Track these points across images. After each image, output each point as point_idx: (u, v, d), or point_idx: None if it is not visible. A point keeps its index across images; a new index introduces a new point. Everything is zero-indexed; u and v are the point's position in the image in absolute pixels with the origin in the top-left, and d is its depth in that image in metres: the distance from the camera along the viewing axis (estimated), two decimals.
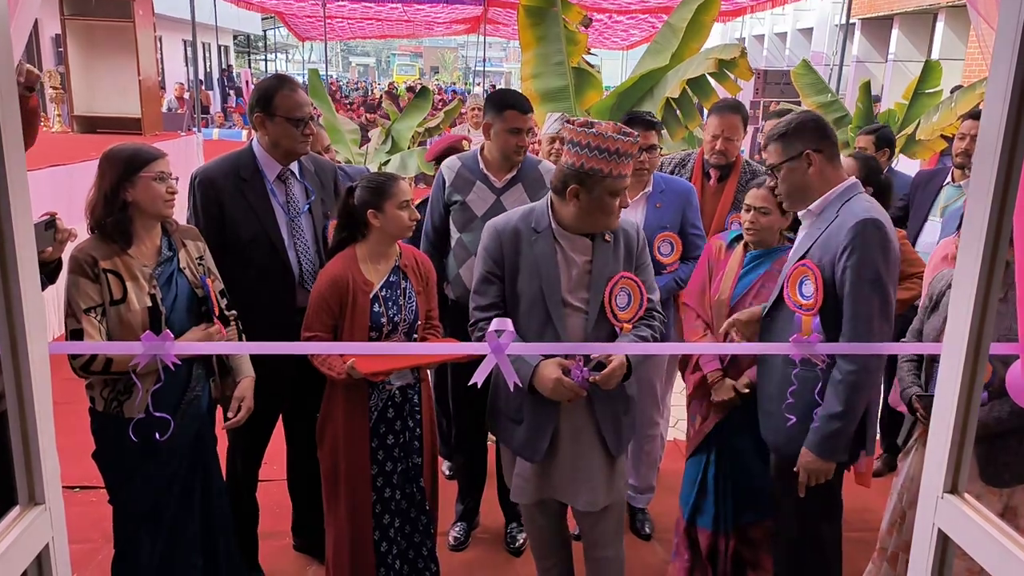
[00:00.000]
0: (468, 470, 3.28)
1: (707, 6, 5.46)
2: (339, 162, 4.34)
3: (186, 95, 13.93)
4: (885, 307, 2.11)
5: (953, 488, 1.12)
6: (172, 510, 2.27)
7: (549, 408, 2.26)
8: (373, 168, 6.63)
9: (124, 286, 2.10)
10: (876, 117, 7.69)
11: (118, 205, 2.12)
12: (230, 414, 2.33)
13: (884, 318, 2.11)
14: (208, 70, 23.06)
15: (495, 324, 1.41)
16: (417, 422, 2.55)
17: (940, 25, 13.53)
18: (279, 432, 2.85)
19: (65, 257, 2.12)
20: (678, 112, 5.44)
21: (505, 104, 2.83)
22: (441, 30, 20.75)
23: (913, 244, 3.50)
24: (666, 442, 3.47)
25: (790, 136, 2.20)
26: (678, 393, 3.60)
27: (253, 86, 3.04)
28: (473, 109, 7.16)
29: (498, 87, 16.95)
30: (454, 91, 24.53)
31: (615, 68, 21.99)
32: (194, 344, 2.11)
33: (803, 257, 2.18)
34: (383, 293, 2.43)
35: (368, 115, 14.74)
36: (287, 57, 35.24)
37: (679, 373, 3.21)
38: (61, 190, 4.82)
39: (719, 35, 19.09)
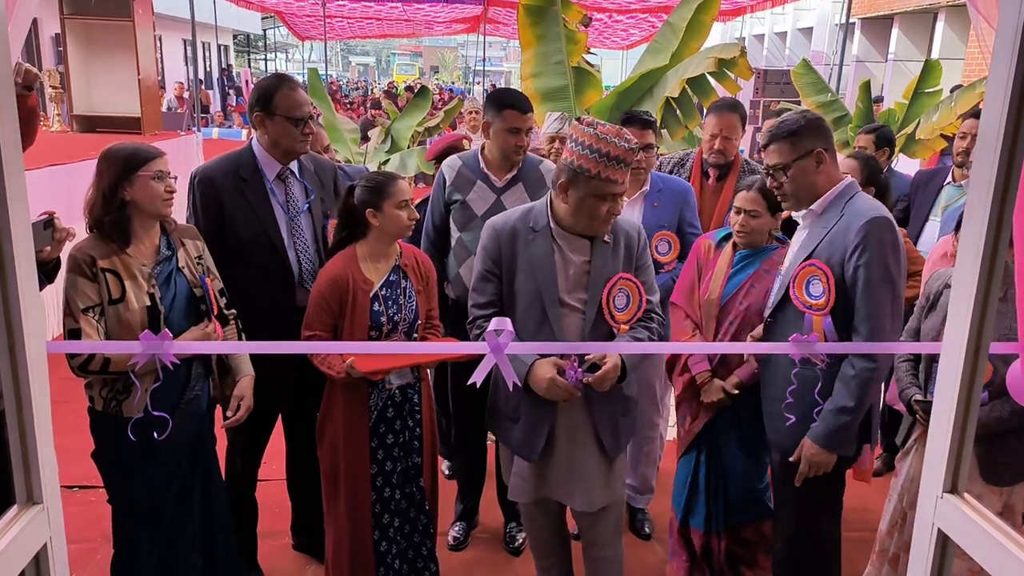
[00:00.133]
0: (467, 470, 3.27)
1: (707, 5, 5.45)
2: (338, 161, 4.33)
3: (186, 94, 13.91)
4: (896, 305, 2.13)
5: (953, 488, 1.12)
6: (171, 509, 2.27)
7: (545, 407, 2.26)
8: (372, 167, 6.62)
9: (122, 285, 2.10)
10: (876, 117, 7.69)
11: (116, 204, 2.11)
12: (229, 412, 2.33)
13: (895, 316, 2.13)
14: (208, 69, 23.04)
15: (494, 324, 1.41)
16: (417, 422, 2.55)
17: (940, 24, 13.53)
18: (279, 431, 2.84)
19: (64, 256, 2.12)
20: (678, 112, 5.44)
21: (504, 103, 2.83)
22: (441, 29, 20.75)
23: (914, 244, 3.50)
24: (666, 442, 3.46)
25: (800, 134, 2.18)
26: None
27: (253, 85, 3.04)
28: (471, 112, 7.13)
29: (498, 87, 16.94)
30: (451, 90, 24.50)
31: (615, 67, 22.00)
32: (193, 343, 2.11)
33: (809, 257, 2.18)
34: (383, 292, 2.43)
35: (373, 111, 14.68)
36: (287, 56, 35.22)
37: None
38: (60, 189, 4.82)
39: (719, 34, 19.08)
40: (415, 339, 2.51)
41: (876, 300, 2.08)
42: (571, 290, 2.24)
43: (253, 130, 2.66)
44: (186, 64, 20.03)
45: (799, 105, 7.88)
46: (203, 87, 16.90)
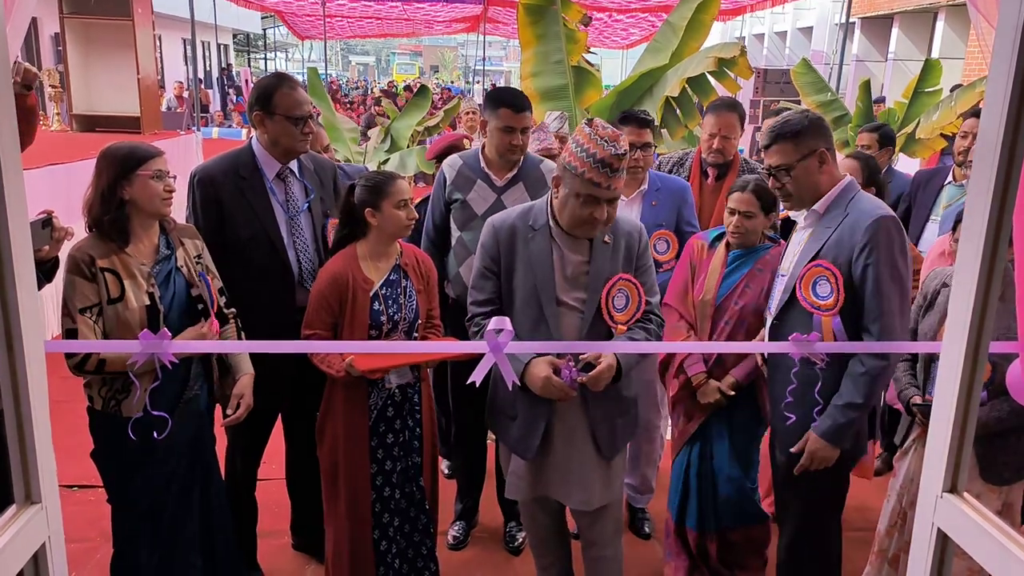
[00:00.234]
0: (467, 469, 3.27)
1: (707, 5, 5.45)
2: (338, 161, 4.33)
3: (185, 94, 13.91)
4: (904, 303, 2.14)
5: (953, 487, 1.11)
6: (171, 509, 2.26)
7: (541, 405, 2.26)
8: (372, 167, 6.62)
9: (121, 284, 2.10)
10: (876, 116, 7.69)
11: (115, 203, 2.11)
12: (229, 410, 2.33)
13: (904, 314, 2.14)
14: (207, 69, 23.03)
15: (494, 323, 1.41)
16: (417, 421, 2.55)
17: (940, 24, 13.54)
18: (278, 431, 2.84)
19: (63, 256, 2.12)
20: (678, 111, 5.43)
21: (499, 102, 2.83)
22: (441, 29, 20.76)
23: (915, 244, 3.50)
24: (666, 442, 3.46)
25: (804, 135, 2.18)
26: None
27: (252, 85, 3.04)
28: (468, 112, 7.10)
29: (498, 86, 16.93)
30: (448, 89, 24.47)
31: (615, 67, 22.00)
32: (192, 343, 2.11)
33: (815, 257, 2.17)
34: (383, 291, 2.43)
35: (376, 107, 14.63)
36: (287, 56, 35.20)
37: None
38: (60, 189, 4.82)
39: (719, 34, 19.08)
40: (415, 338, 2.51)
41: (886, 299, 2.09)
42: (569, 289, 2.24)
43: (253, 129, 2.66)
44: (186, 63, 20.02)
45: (799, 104, 7.87)
46: (203, 86, 16.90)
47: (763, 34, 22.56)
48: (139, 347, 1.44)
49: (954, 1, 12.62)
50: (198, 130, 8.36)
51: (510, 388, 1.87)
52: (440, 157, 3.59)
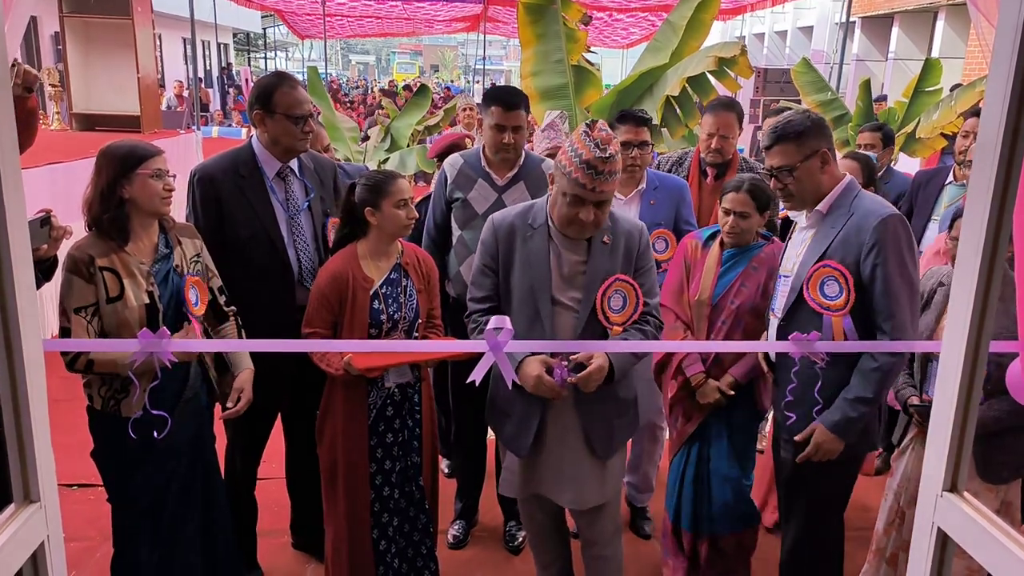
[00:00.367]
0: (467, 468, 3.27)
1: (707, 4, 5.45)
2: (338, 160, 4.33)
3: (185, 93, 13.90)
4: (914, 300, 2.15)
5: (952, 486, 1.11)
6: (171, 508, 2.26)
7: (534, 404, 2.26)
8: (372, 166, 6.62)
9: (121, 283, 2.10)
10: (877, 115, 7.69)
11: (115, 202, 2.11)
12: (229, 404, 2.32)
13: (914, 311, 2.15)
14: (207, 68, 23.02)
15: (493, 322, 1.41)
16: (417, 421, 2.55)
17: (940, 23, 13.53)
18: (278, 430, 2.84)
19: (61, 254, 2.12)
20: (678, 110, 5.43)
21: (492, 100, 2.84)
22: (441, 28, 20.75)
23: (917, 244, 3.50)
24: (667, 442, 3.46)
25: (806, 135, 2.18)
26: None
27: (252, 84, 3.04)
28: (465, 109, 7.08)
29: (497, 85, 16.92)
30: (449, 88, 24.45)
31: (615, 66, 21.99)
32: (192, 342, 2.11)
33: (822, 258, 2.17)
34: (383, 290, 2.43)
35: (379, 110, 14.63)
36: (287, 55, 35.18)
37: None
38: (59, 187, 4.81)
39: (719, 33, 19.07)
40: (416, 338, 2.51)
41: (896, 298, 2.09)
42: (565, 288, 2.23)
43: (253, 128, 2.66)
44: (185, 62, 20.02)
45: (799, 104, 7.87)
46: (202, 85, 16.88)
47: (763, 33, 22.55)
48: (138, 346, 1.44)
49: (954, 0, 12.62)
50: (198, 129, 8.36)
51: (509, 387, 1.87)
52: (441, 156, 3.59)
